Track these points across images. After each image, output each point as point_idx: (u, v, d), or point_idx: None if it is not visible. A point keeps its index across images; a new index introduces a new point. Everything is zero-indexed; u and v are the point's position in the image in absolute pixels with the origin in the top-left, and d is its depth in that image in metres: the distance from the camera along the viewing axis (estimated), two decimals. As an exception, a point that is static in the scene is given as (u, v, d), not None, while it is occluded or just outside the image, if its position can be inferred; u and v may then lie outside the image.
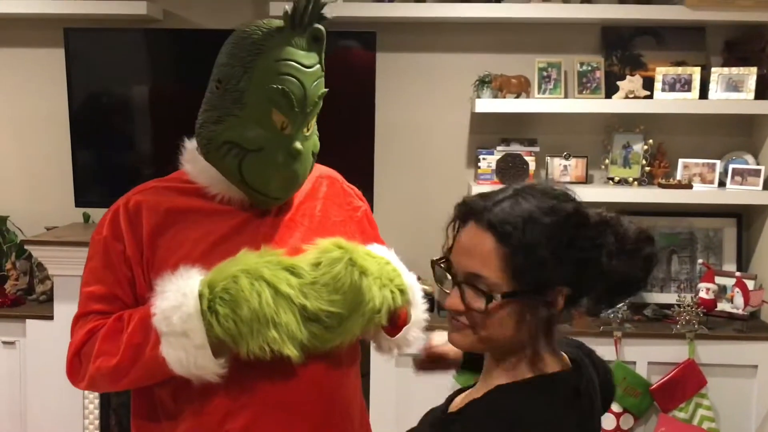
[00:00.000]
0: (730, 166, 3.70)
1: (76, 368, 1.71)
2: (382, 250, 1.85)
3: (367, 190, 3.50)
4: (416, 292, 1.87)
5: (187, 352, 1.56)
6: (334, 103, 3.31)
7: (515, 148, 3.73)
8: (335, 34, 3.63)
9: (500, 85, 3.65)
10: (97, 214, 3.91)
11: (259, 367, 1.61)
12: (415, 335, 1.87)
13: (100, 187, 3.80)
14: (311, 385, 1.69)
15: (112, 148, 3.79)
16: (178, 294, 1.58)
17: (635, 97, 3.65)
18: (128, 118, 3.78)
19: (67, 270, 3.51)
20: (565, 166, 3.78)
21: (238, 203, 1.74)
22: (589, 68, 3.75)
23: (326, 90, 1.71)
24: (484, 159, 3.71)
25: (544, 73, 3.75)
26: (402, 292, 1.78)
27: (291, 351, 1.58)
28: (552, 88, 3.74)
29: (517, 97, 3.66)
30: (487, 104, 3.62)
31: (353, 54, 3.54)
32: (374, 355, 3.44)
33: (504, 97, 3.65)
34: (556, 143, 3.82)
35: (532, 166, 3.69)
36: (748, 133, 3.82)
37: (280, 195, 1.73)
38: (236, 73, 1.67)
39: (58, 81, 3.73)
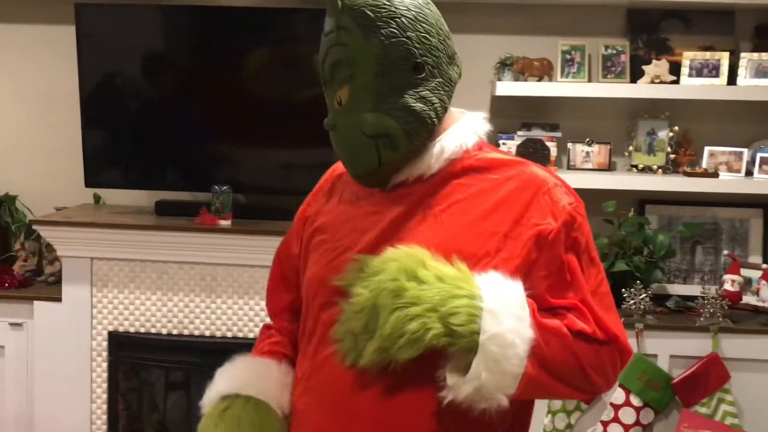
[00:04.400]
0: (758, 155, 3.59)
1: None
2: (499, 281, 1.45)
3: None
4: (501, 338, 1.40)
5: None
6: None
7: (536, 132, 3.63)
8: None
9: (522, 68, 3.54)
10: (107, 194, 3.84)
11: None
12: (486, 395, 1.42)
13: (111, 167, 3.74)
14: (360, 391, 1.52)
15: (123, 129, 3.72)
16: None
17: (661, 82, 3.54)
18: (141, 99, 3.70)
19: (76, 251, 3.45)
20: (588, 153, 3.68)
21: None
22: (614, 52, 3.64)
23: (338, 57, 1.52)
24: (504, 144, 3.60)
25: (567, 56, 3.64)
26: (449, 329, 1.40)
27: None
28: (575, 71, 3.63)
29: (539, 80, 3.56)
30: (509, 87, 3.52)
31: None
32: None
33: (526, 80, 3.55)
34: (578, 129, 3.71)
35: (553, 151, 3.59)
36: (777, 121, 3.70)
37: (352, 174, 1.59)
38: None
39: (69, 59, 3.65)
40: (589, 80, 3.65)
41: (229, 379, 1.66)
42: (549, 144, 3.58)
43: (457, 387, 1.42)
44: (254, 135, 3.64)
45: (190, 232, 3.40)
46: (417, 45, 1.51)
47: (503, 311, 1.41)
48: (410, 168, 1.56)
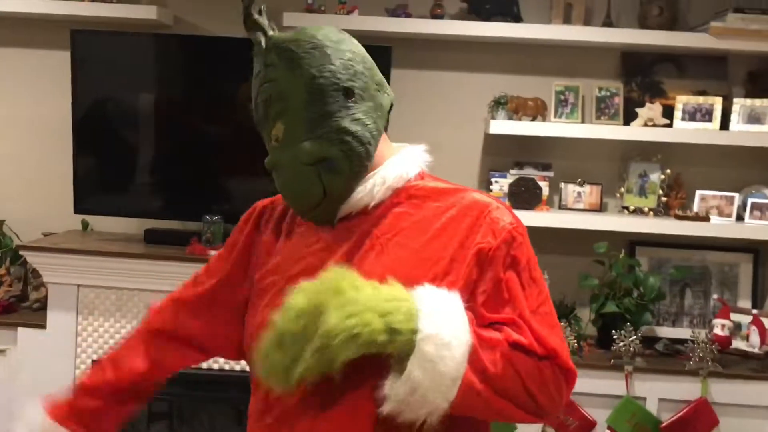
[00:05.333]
0: (749, 200, 3.60)
1: None
2: (433, 292, 1.45)
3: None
4: (437, 339, 1.40)
5: None
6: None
7: (529, 171, 3.63)
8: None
9: (516, 107, 3.55)
10: (96, 221, 3.81)
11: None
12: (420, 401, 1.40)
13: (101, 194, 3.71)
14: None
15: (115, 156, 3.70)
16: None
17: (654, 125, 3.56)
18: (133, 126, 3.69)
19: (62, 278, 3.41)
20: (579, 193, 3.68)
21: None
22: (608, 94, 3.66)
23: (269, 94, 1.55)
24: (496, 182, 3.61)
25: (562, 97, 3.65)
26: (388, 327, 1.38)
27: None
28: (569, 112, 3.65)
29: (532, 119, 3.57)
30: (502, 126, 3.53)
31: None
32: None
33: (519, 120, 3.56)
34: (570, 169, 3.72)
35: (545, 191, 3.59)
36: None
37: (299, 210, 1.62)
38: None
39: (63, 84, 3.64)
40: (583, 121, 3.67)
41: None
42: (541, 183, 3.59)
43: (393, 391, 1.40)
44: (245, 164, 3.62)
45: (180, 261, 3.37)
46: (342, 71, 1.54)
47: (440, 314, 1.41)
48: (354, 200, 1.57)
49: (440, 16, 3.59)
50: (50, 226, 3.79)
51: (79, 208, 3.66)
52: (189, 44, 3.67)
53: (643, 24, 3.62)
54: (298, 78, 1.53)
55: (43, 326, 3.45)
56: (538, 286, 1.54)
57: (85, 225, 3.82)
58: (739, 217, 3.61)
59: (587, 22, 3.65)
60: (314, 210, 1.57)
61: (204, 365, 3.35)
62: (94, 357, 3.43)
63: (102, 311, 3.43)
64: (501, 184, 3.60)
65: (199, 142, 3.65)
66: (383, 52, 3.39)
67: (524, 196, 3.57)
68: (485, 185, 3.72)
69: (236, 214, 3.46)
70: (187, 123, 3.65)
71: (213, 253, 3.33)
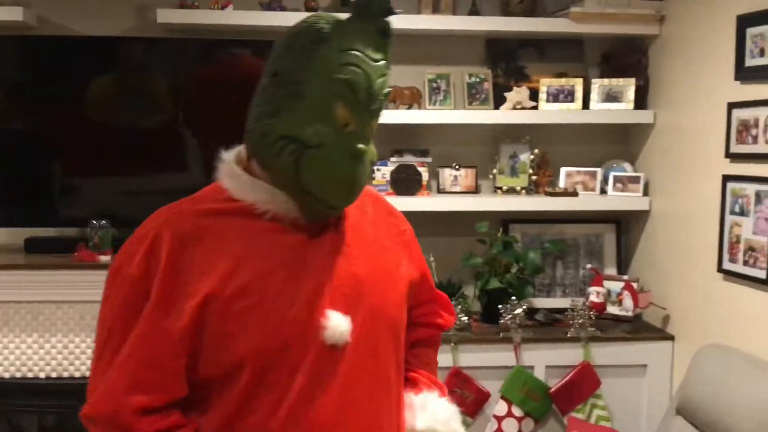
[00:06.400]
0: (611, 174, 3.85)
1: None
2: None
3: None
4: None
5: None
6: (229, 115, 3.18)
7: (408, 159, 3.74)
8: (228, 43, 3.58)
9: (393, 96, 3.65)
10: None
11: None
12: None
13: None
14: None
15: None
16: None
17: (522, 108, 3.74)
18: (2, 132, 3.54)
19: None
20: (456, 177, 3.83)
21: (288, 222, 1.54)
22: (478, 80, 3.81)
23: (391, 89, 1.58)
24: (378, 170, 3.70)
25: (434, 85, 3.78)
26: None
27: None
28: (442, 99, 3.78)
29: (409, 108, 3.68)
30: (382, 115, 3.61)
31: (248, 64, 3.45)
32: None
33: (397, 108, 3.66)
34: (446, 154, 3.86)
35: (425, 176, 3.72)
36: (624, 141, 3.98)
37: (338, 202, 1.54)
38: (296, 63, 1.49)
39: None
40: (456, 107, 3.81)
41: None
42: (420, 169, 3.70)
43: None
44: (123, 166, 3.57)
45: (67, 269, 3.28)
46: None
47: None
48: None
49: (314, 9, 3.63)
50: None
51: (-52, 222, 3.49)
52: (52, 45, 3.53)
53: (506, 11, 3.79)
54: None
55: None
56: None
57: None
58: (603, 191, 3.86)
59: (455, 12, 3.78)
60: (342, 207, 1.58)
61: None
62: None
63: (-13, 327, 3.30)
64: (383, 172, 3.69)
65: (71, 145, 3.54)
66: (266, 46, 3.40)
67: (406, 182, 3.68)
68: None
69: (122, 217, 3.46)
70: (58, 126, 3.53)
71: (103, 258, 3.28)
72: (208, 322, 1.45)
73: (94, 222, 3.31)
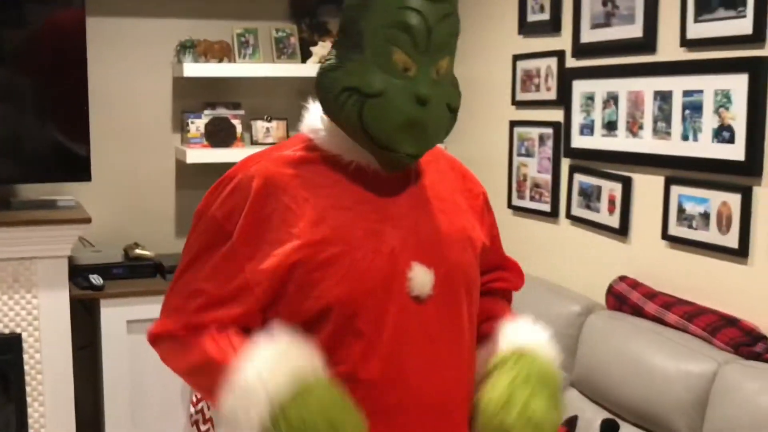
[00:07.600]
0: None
1: None
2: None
3: (84, 161, 3.46)
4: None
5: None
6: (45, 71, 3.19)
7: (221, 111, 3.88)
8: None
9: (204, 50, 3.77)
10: None
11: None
12: None
13: None
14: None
15: None
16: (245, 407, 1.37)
17: (327, 62, 3.95)
18: None
19: None
20: (268, 128, 4.00)
21: (371, 173, 1.53)
22: (284, 35, 3.99)
23: (454, 27, 1.51)
24: (192, 123, 3.82)
25: (243, 39, 3.92)
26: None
27: None
28: (251, 53, 3.93)
29: (219, 61, 3.81)
30: (195, 69, 3.73)
31: (62, 18, 3.44)
32: (104, 322, 3.47)
33: (207, 62, 3.78)
34: (258, 106, 4.03)
35: (238, 128, 3.87)
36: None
37: (410, 149, 1.48)
38: (357, 14, 1.47)
39: None
40: (264, 61, 3.97)
41: (287, 363, 1.41)
42: (234, 122, 3.86)
43: None
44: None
45: None
46: None
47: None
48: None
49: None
50: None
51: None
52: None
53: (308, -31, 3.98)
54: (458, 19, 1.53)
55: None
56: None
57: None
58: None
59: (260, -32, 3.94)
60: (415, 154, 1.51)
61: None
62: None
63: None
64: (197, 125, 3.82)
65: None
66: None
67: (220, 135, 3.82)
68: (179, 127, 3.91)
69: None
70: None
71: None
72: (293, 270, 1.46)
73: None
